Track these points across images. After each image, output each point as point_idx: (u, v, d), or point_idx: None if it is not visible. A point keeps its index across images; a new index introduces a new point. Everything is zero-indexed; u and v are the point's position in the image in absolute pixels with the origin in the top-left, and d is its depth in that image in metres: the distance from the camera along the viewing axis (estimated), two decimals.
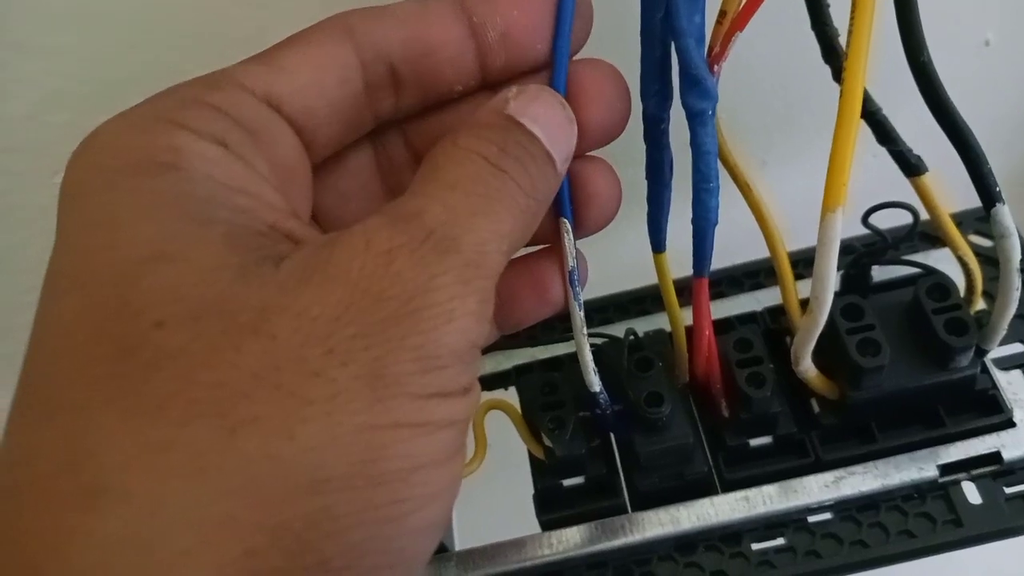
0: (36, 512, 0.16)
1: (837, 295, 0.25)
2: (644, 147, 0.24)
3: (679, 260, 0.26)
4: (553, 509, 0.28)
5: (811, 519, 0.27)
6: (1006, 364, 0.29)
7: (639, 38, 0.22)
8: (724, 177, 0.24)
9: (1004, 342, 0.27)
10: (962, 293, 0.27)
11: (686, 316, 0.27)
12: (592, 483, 0.28)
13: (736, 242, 0.29)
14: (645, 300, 0.33)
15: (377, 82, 0.21)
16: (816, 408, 0.28)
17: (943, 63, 0.22)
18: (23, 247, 0.34)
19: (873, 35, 0.20)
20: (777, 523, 0.27)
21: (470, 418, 0.19)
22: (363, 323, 0.17)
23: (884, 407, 0.27)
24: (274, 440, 0.16)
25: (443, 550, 0.28)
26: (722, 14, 0.21)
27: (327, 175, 0.22)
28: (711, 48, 0.22)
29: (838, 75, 0.23)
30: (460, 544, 0.29)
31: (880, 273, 0.30)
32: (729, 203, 0.24)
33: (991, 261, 0.25)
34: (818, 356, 0.26)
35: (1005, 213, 0.23)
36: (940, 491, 0.27)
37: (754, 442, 0.28)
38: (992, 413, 0.28)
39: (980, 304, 0.28)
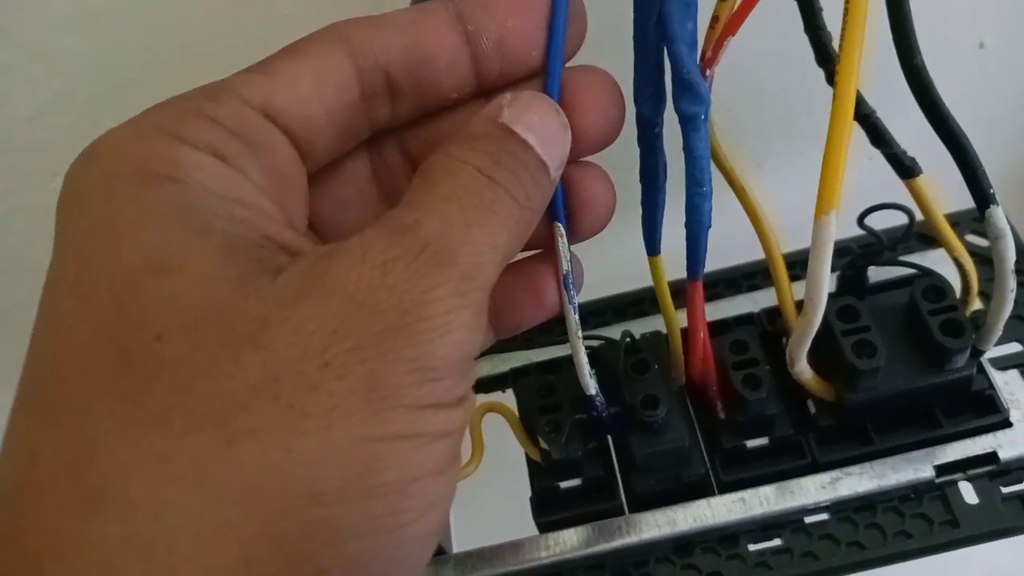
0: (38, 514, 0.16)
1: (833, 296, 0.26)
2: (638, 151, 0.24)
3: (675, 262, 0.26)
4: (550, 511, 0.28)
5: (808, 520, 0.27)
6: (1002, 364, 0.29)
7: (632, 43, 0.22)
8: (720, 180, 0.24)
9: (1000, 342, 0.27)
10: (958, 294, 0.27)
11: (682, 318, 0.27)
12: (589, 485, 0.28)
13: (734, 243, 0.29)
14: (641, 302, 0.33)
15: (374, 90, 0.21)
16: (812, 409, 0.28)
17: (938, 66, 0.22)
18: (26, 248, 0.34)
19: (867, 39, 0.20)
20: (774, 524, 0.27)
21: (465, 428, 0.19)
22: (360, 336, 0.17)
23: (880, 408, 0.27)
24: (273, 452, 0.16)
25: (441, 553, 0.28)
26: (714, 19, 0.21)
27: (324, 183, 0.22)
28: (703, 53, 0.22)
29: (832, 79, 0.23)
30: (458, 547, 0.29)
31: (876, 274, 0.30)
32: (725, 206, 0.25)
33: (987, 262, 0.25)
34: (814, 357, 0.26)
35: (999, 215, 0.23)
36: (937, 492, 0.27)
37: (751, 444, 0.28)
38: (988, 413, 0.28)
39: (976, 305, 0.28)
